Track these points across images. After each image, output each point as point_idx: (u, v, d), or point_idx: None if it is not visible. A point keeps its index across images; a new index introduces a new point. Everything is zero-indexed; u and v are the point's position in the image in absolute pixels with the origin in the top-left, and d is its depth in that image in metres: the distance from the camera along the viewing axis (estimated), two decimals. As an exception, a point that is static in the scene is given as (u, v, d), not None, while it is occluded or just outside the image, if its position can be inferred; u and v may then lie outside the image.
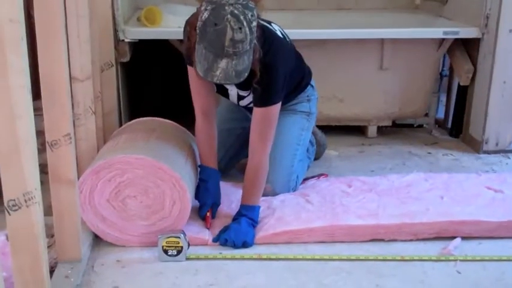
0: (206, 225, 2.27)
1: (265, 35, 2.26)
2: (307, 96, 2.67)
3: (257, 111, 2.30)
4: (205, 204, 2.32)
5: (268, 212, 2.34)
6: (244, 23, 2.01)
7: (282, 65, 2.28)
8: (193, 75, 2.26)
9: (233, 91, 2.45)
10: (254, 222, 2.24)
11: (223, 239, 2.17)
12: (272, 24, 2.43)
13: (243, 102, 2.50)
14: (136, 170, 2.09)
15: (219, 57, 2.03)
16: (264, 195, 2.38)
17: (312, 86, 2.70)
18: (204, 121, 2.41)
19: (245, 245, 2.16)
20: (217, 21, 2.00)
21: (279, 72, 2.26)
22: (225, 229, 2.21)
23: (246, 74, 2.08)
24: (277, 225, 2.24)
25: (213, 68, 2.04)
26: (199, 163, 2.44)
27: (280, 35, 2.40)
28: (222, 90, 2.50)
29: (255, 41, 2.10)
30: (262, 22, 2.33)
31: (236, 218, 2.25)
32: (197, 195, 2.33)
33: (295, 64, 2.49)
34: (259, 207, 2.30)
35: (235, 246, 2.15)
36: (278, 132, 2.43)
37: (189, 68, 2.31)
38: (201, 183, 2.36)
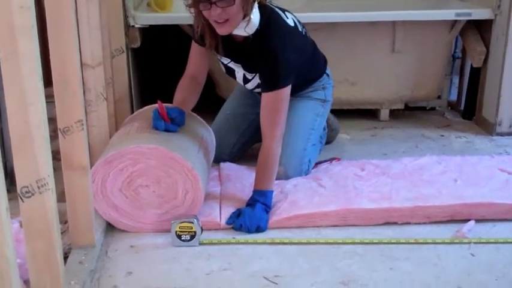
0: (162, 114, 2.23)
1: (271, 19, 2.31)
2: (323, 84, 2.68)
3: (265, 97, 2.32)
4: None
5: (281, 197, 2.34)
6: None
7: (287, 51, 2.30)
8: (194, 48, 2.42)
9: (239, 73, 2.48)
10: (267, 207, 2.24)
11: (238, 224, 2.17)
12: (286, 12, 2.45)
13: (249, 86, 2.52)
14: (149, 160, 2.09)
15: None
16: (277, 178, 2.37)
17: (328, 74, 2.71)
18: (190, 81, 2.44)
19: (259, 230, 2.16)
20: None
21: (283, 58, 2.28)
22: (239, 213, 2.22)
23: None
24: (290, 209, 2.24)
25: None
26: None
27: (292, 24, 2.41)
28: (230, 72, 2.52)
29: None
30: (274, 8, 2.35)
31: (250, 203, 2.25)
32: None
33: (308, 54, 2.52)
34: (272, 191, 2.30)
35: (249, 231, 2.16)
36: (293, 116, 2.46)
37: (193, 42, 2.42)
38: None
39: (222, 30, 2.24)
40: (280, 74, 2.29)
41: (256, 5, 2.26)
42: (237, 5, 2.17)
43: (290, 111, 2.39)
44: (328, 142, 2.99)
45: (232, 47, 2.35)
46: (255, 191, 2.28)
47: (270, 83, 2.31)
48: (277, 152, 2.32)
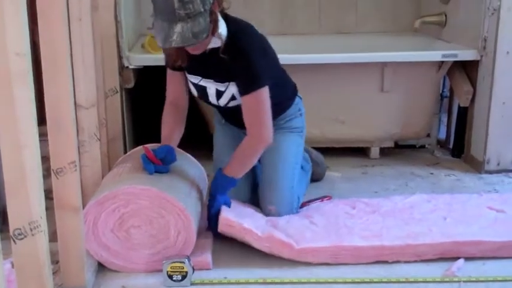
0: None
1: (237, 24, 2.34)
2: (299, 109, 2.67)
3: (245, 100, 2.33)
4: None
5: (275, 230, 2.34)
6: None
7: (257, 48, 2.32)
8: (169, 74, 2.48)
9: (211, 89, 2.43)
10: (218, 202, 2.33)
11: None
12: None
13: (223, 101, 2.45)
14: (141, 200, 2.09)
15: (173, 23, 2.10)
16: (269, 215, 2.42)
17: (300, 97, 2.71)
18: (171, 108, 2.50)
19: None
20: None
21: (254, 57, 2.29)
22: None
23: (204, 36, 2.14)
24: (285, 238, 2.25)
25: (170, 34, 2.11)
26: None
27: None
28: (202, 94, 2.49)
29: (210, 7, 2.15)
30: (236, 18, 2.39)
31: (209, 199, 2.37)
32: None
33: (279, 70, 2.54)
34: (234, 182, 2.37)
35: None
36: (276, 153, 2.47)
37: (167, 69, 2.49)
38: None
39: (194, 52, 2.27)
40: (255, 73, 2.30)
41: (220, 17, 2.27)
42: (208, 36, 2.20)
43: (272, 148, 2.42)
44: (318, 179, 3.01)
45: (200, 60, 2.34)
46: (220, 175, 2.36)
47: (247, 85, 2.31)
48: (258, 153, 2.37)
